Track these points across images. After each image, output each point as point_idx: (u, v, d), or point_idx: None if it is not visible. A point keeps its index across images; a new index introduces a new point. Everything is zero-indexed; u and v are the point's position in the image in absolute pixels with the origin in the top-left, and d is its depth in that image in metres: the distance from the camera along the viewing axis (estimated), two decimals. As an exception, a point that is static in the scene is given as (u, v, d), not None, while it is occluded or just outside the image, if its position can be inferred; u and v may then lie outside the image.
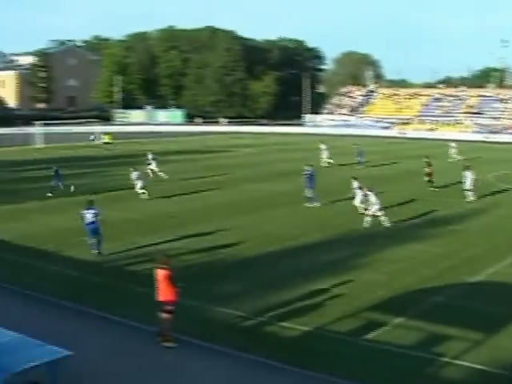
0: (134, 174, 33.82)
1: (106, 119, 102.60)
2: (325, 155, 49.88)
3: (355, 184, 29.79)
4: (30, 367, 8.84)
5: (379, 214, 26.33)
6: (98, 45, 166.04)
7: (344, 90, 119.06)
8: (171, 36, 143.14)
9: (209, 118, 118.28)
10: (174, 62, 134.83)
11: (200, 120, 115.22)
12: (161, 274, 13.89)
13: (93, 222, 21.40)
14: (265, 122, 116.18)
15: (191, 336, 14.37)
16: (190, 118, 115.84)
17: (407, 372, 12.73)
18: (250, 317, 15.80)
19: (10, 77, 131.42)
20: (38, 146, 67.81)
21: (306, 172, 32.35)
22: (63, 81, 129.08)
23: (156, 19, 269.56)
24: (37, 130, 72.21)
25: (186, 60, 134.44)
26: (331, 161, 49.19)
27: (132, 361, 13.29)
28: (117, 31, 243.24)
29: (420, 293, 17.56)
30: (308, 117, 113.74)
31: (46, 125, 74.32)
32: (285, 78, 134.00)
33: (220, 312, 16.11)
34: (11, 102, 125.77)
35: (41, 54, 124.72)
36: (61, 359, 9.50)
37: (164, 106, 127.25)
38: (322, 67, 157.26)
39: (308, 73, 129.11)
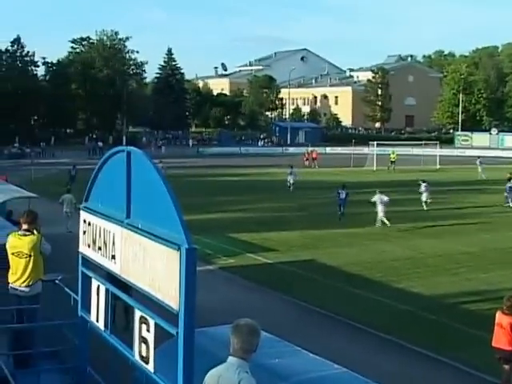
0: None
1: (446, 142, 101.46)
2: (479, 170, 60.45)
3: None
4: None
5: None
6: (439, 60, 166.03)
7: None
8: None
9: None
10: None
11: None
12: (503, 319, 12.78)
13: (343, 199, 33.88)
14: None
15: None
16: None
17: None
18: None
19: (345, 93, 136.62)
20: (373, 168, 69.16)
21: None
22: (401, 99, 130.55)
23: (507, 32, 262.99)
24: (371, 150, 73.57)
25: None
26: (483, 176, 58.27)
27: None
28: (463, 46, 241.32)
29: None
30: None
31: (380, 145, 75.55)
32: None
33: None
34: (345, 119, 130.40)
35: (378, 69, 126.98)
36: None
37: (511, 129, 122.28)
38: None
39: None
